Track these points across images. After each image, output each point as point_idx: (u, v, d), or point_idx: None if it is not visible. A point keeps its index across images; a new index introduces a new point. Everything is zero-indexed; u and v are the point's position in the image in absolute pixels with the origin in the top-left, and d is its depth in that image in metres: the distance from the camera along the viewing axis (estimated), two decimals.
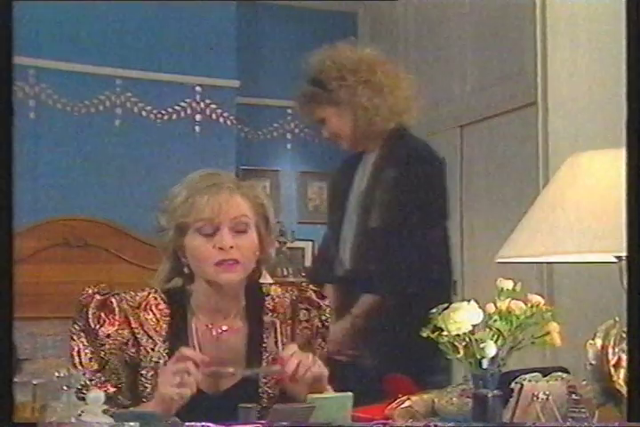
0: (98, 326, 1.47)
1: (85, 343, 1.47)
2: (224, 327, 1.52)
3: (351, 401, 1.39)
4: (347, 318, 2.18)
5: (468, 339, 1.29)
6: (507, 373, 1.33)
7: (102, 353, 1.46)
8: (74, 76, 3.92)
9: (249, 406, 1.24)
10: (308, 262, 4.66)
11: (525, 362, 1.42)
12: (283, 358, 1.41)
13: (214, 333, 1.52)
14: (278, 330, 1.56)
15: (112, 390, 1.45)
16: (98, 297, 1.50)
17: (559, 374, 1.33)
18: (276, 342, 1.53)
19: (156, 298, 1.52)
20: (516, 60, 3.63)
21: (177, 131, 4.15)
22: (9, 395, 0.94)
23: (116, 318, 1.48)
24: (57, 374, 1.09)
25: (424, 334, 1.30)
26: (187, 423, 1.18)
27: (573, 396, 1.35)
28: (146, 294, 1.53)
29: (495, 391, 1.27)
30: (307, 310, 1.59)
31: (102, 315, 1.48)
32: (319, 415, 1.33)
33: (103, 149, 3.97)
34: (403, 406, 1.41)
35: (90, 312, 1.48)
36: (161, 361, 1.48)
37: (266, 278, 1.64)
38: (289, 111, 4.69)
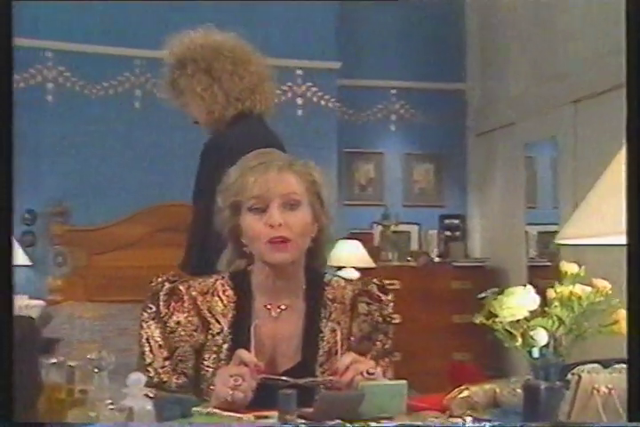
0: (168, 314, 1.49)
1: (155, 331, 1.48)
2: (282, 306, 1.51)
3: (406, 389, 1.33)
4: None
5: (525, 326, 1.20)
6: (569, 364, 1.22)
7: (172, 340, 1.47)
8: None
9: (289, 392, 1.20)
10: (414, 246, 4.57)
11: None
12: (339, 368, 1.37)
13: (273, 313, 1.51)
14: (336, 319, 1.52)
15: (182, 380, 1.46)
16: (167, 285, 1.51)
17: (623, 365, 1.21)
18: (333, 331, 1.49)
19: (223, 284, 1.53)
20: None
21: (279, 115, 4.14)
22: (9, 394, 0.94)
23: (185, 305, 1.49)
24: (88, 356, 1.09)
25: (477, 321, 1.22)
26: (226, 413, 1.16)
27: None
28: (213, 280, 1.54)
29: (555, 383, 1.17)
30: (367, 303, 1.55)
31: (172, 302, 1.49)
32: (371, 404, 1.28)
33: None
34: (461, 396, 1.33)
35: (160, 300, 1.49)
36: (225, 346, 1.47)
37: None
38: (393, 92, 4.60)
